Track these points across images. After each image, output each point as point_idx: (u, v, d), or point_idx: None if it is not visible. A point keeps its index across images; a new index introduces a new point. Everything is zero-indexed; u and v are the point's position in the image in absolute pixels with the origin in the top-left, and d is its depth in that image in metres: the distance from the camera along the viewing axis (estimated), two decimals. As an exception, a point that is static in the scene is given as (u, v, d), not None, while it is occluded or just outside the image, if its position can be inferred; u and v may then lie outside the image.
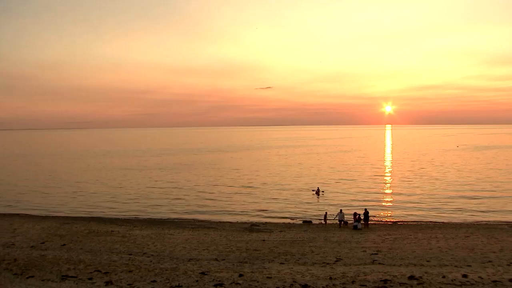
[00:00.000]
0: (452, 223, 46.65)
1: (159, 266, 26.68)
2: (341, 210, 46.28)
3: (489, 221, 47.18)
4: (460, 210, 53.43)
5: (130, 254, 30.93)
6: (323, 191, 66.15)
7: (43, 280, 23.45)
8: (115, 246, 34.53)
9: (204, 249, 33.35)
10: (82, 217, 51.73)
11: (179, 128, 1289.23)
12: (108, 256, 29.97)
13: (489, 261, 28.61)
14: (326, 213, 47.63)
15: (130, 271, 25.30)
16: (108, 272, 25.04)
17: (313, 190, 66.65)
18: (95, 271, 25.41)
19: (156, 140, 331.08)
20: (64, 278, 23.93)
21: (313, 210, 54.16)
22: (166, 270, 25.70)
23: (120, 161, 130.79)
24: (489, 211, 52.38)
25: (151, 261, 28.46)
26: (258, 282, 23.11)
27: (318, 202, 59.87)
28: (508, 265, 27.42)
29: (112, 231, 41.24)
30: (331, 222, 45.89)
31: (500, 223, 46.29)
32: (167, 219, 50.52)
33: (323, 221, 46.78)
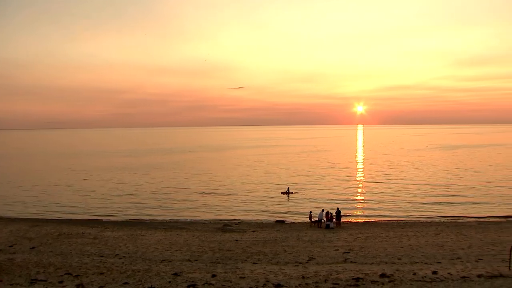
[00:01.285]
0: (423, 221, 47.49)
1: (131, 268, 26.50)
2: (323, 209, 46.34)
3: (458, 219, 48.23)
4: (430, 208, 54.43)
5: (102, 256, 30.60)
6: (292, 192, 66.40)
7: (11, 285, 23.03)
8: (86, 248, 34.09)
9: (176, 250, 33.23)
10: (52, 219, 50.73)
11: (154, 128, 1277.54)
12: (79, 259, 29.61)
13: (458, 258, 29.31)
14: (310, 212, 47.17)
15: (101, 274, 25.06)
16: (79, 275, 24.74)
17: (282, 193, 66.70)
18: (65, 274, 25.08)
19: (131, 140, 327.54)
20: (34, 282, 23.55)
21: (285, 210, 54.43)
22: (139, 271, 25.55)
23: (93, 162, 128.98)
24: (458, 209, 53.51)
25: (123, 262, 28.23)
26: (231, 282, 23.17)
27: (288, 202, 60.13)
28: (477, 261, 28.14)
29: (83, 233, 40.67)
30: (314, 220, 45.48)
31: (468, 220, 47.37)
32: (140, 220, 50.03)
33: (309, 220, 46.16)
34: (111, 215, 52.91)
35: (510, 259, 26.02)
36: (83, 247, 34.31)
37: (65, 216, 52.62)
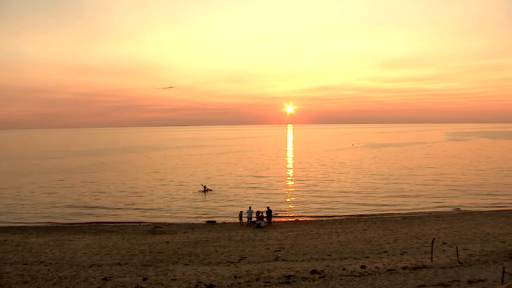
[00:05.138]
0: (351, 217, 49.14)
1: (57, 275, 25.61)
2: (250, 207, 46.83)
3: (384, 214, 50.34)
4: (357, 204, 56.51)
5: (26, 264, 29.31)
6: (209, 189, 68.31)
7: None
8: (8, 256, 32.49)
9: (106, 254, 32.47)
10: (-31, 226, 47.93)
11: (79, 129, 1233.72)
12: (1, 268, 28.21)
13: (385, 252, 30.67)
14: (241, 212, 47.31)
15: (25, 282, 24.06)
16: (0, 285, 23.61)
17: (199, 190, 68.44)
18: (-14, 284, 23.85)
19: (54, 142, 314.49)
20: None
21: (215, 210, 54.50)
22: (66, 278, 24.76)
23: (13, 165, 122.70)
24: (384, 205, 55.88)
25: (49, 269, 27.22)
26: (162, 284, 23.00)
27: (216, 202, 60.21)
28: (402, 254, 29.59)
29: (4, 240, 38.69)
30: (245, 221, 45.74)
31: (393, 215, 49.54)
32: (66, 224, 48.32)
33: (238, 220, 46.31)
34: (36, 219, 50.74)
35: (432, 251, 27.61)
36: (5, 255, 32.68)
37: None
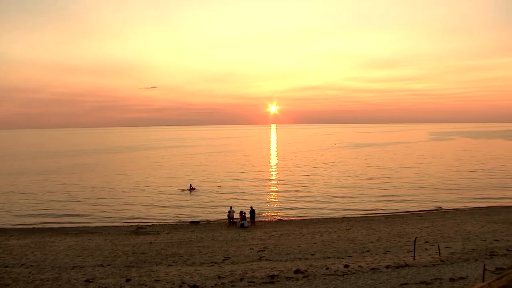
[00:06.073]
0: (334, 217, 49.38)
1: (39, 277, 25.31)
2: (231, 207, 46.76)
3: (367, 214, 50.69)
4: (341, 204, 56.87)
5: (6, 267, 28.87)
6: (194, 188, 68.91)
7: None
8: (-12, 258, 32.03)
9: (88, 255, 32.16)
10: None
11: (62, 129, 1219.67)
12: (-19, 270, 27.80)
13: (368, 251, 30.88)
14: (229, 211, 46.73)
15: (6, 285, 23.73)
16: (-19, 288, 23.29)
17: (185, 189, 68.82)
18: (-35, 287, 23.50)
19: (35, 142, 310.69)
20: None
21: (199, 210, 54.36)
22: (48, 280, 24.48)
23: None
24: (367, 204, 56.27)
25: (30, 272, 26.87)
26: (146, 286, 22.88)
27: (201, 202, 60.04)
28: (385, 253, 29.80)
29: (-16, 242, 38.15)
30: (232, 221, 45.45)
31: (377, 214, 49.94)
32: (48, 226, 47.65)
33: (232, 221, 45.93)
34: (17, 221, 50.01)
35: (414, 249, 27.87)
36: (-15, 258, 32.21)
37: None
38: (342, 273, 23.98)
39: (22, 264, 29.64)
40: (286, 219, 49.46)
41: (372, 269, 24.57)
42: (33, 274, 26.16)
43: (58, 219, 51.48)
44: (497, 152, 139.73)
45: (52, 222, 49.89)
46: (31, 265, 29.22)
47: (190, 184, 70.08)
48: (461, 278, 21.68)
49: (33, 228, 46.89)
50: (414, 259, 26.71)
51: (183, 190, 68.39)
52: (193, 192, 67.00)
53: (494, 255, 27.11)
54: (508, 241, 32.22)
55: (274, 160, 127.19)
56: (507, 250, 28.46)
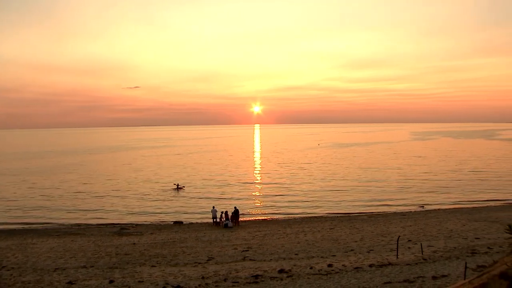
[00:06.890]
0: (318, 216, 49.58)
1: (20, 280, 24.98)
2: (213, 207, 46.67)
3: (350, 213, 50.97)
4: (324, 203, 57.06)
5: (-13, 269, 28.48)
6: (182, 187, 69.64)
7: None
8: (-32, 261, 31.51)
9: (71, 257, 31.82)
10: None
11: (45, 129, 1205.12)
12: (-40, 273, 27.35)
13: (352, 250, 31.06)
14: (215, 212, 46.46)
15: (-13, 287, 23.40)
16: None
17: (172, 188, 69.58)
18: None
19: (18, 142, 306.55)
20: None
21: (183, 210, 54.20)
22: (29, 283, 24.17)
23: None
24: (350, 203, 56.62)
25: (11, 274, 26.50)
26: (129, 287, 22.75)
27: (186, 203, 59.84)
28: (368, 252, 30.00)
29: (-36, 244, 37.54)
30: (217, 221, 45.20)
31: (360, 214, 50.29)
32: (29, 227, 47.00)
33: (215, 221, 45.54)
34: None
35: (397, 248, 28.11)
36: (-35, 260, 31.69)
37: None
38: (326, 273, 24.07)
39: (3, 267, 29.19)
40: (270, 218, 49.57)
41: (356, 268, 24.72)
42: (14, 277, 25.81)
43: (39, 220, 50.86)
44: (479, 152, 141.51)
45: (33, 223, 49.27)
46: (12, 268, 28.80)
47: (177, 184, 70.15)
48: (443, 276, 21.90)
49: (14, 229, 46.26)
50: (397, 257, 26.93)
51: (173, 189, 68.83)
52: (180, 191, 67.32)
53: (476, 253, 27.45)
54: (489, 239, 32.65)
55: (258, 160, 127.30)
56: (488, 248, 28.83)
